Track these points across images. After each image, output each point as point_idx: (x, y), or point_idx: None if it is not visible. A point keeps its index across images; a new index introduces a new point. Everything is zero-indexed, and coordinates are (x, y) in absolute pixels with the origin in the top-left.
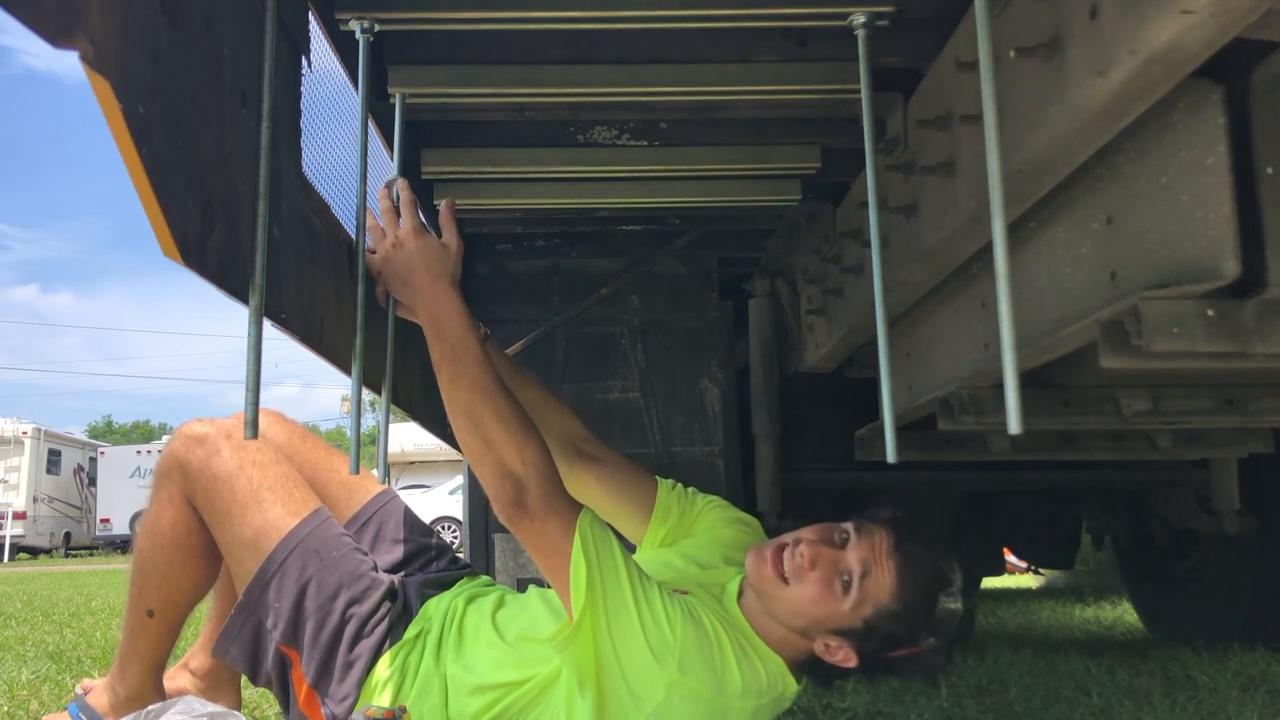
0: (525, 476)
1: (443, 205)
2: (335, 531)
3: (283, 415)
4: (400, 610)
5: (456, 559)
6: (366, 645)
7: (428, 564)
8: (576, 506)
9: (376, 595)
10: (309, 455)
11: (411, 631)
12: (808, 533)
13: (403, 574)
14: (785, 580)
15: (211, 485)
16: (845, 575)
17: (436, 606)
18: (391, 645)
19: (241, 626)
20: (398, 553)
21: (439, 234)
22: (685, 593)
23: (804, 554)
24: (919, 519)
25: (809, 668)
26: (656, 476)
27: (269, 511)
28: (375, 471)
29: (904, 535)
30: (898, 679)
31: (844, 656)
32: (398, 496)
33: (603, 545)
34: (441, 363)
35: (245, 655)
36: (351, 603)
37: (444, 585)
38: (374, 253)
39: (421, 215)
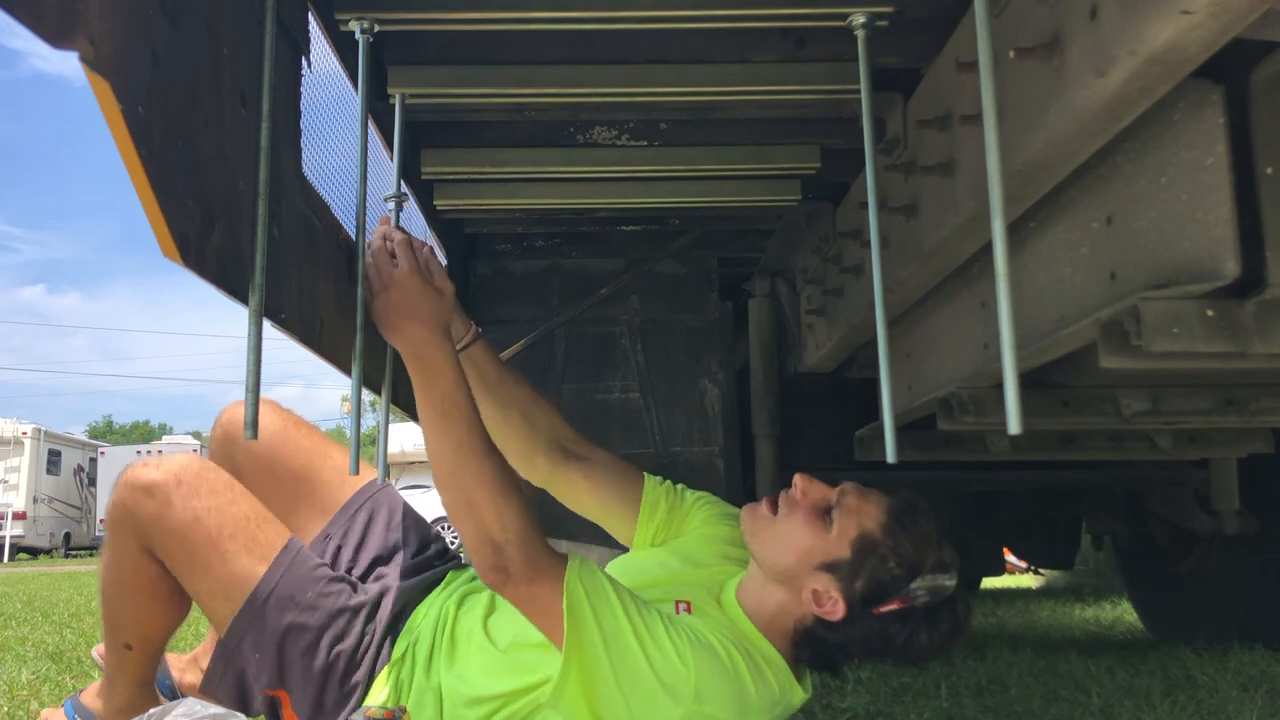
0: (505, 542)
1: (424, 251)
2: (308, 566)
3: (277, 404)
4: (387, 628)
5: (446, 550)
6: (357, 677)
7: (419, 551)
8: (560, 563)
9: (359, 626)
10: (304, 441)
11: (399, 649)
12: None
13: (392, 565)
14: (775, 514)
15: (167, 540)
16: (831, 505)
17: (425, 615)
18: (382, 668)
19: (223, 675)
20: (390, 539)
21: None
22: (688, 605)
23: (796, 484)
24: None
25: (805, 643)
26: (645, 473)
27: (233, 563)
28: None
29: (900, 497)
30: (889, 659)
31: (832, 605)
32: (391, 485)
33: (595, 593)
34: (429, 416)
35: (232, 698)
36: (335, 641)
37: (433, 583)
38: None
39: (417, 254)
